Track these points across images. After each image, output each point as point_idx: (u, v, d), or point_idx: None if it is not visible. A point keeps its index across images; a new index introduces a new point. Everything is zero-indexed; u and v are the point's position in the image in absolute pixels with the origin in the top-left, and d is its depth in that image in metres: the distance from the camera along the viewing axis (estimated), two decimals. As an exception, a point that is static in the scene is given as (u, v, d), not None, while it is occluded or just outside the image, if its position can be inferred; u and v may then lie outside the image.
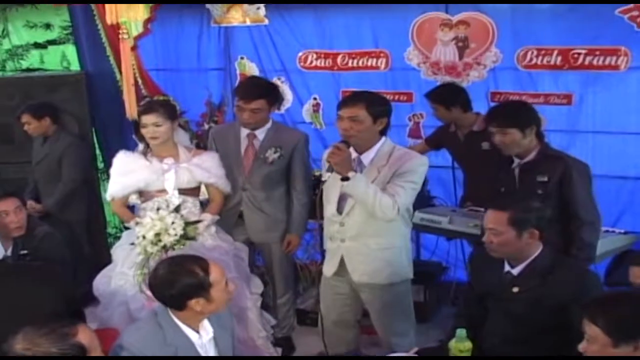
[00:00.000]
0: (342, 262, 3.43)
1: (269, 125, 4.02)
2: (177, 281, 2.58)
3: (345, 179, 3.16)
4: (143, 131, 3.72)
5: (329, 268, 3.51)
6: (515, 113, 3.55)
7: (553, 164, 3.47)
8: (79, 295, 3.50)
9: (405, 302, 3.53)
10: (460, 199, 4.76)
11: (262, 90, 3.95)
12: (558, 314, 2.75)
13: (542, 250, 2.90)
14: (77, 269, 4.20)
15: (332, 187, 3.34)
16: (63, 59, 5.67)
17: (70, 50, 5.59)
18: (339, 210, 3.35)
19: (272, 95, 3.99)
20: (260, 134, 4.01)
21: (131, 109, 3.75)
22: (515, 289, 2.88)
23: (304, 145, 4.08)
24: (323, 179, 3.30)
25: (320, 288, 3.63)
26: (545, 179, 3.43)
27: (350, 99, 3.32)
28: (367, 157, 3.31)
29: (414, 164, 3.27)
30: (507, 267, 2.94)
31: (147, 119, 3.68)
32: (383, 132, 3.33)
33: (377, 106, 3.30)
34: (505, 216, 2.84)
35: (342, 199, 3.34)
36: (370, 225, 3.30)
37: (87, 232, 5.08)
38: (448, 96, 4.44)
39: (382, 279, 3.38)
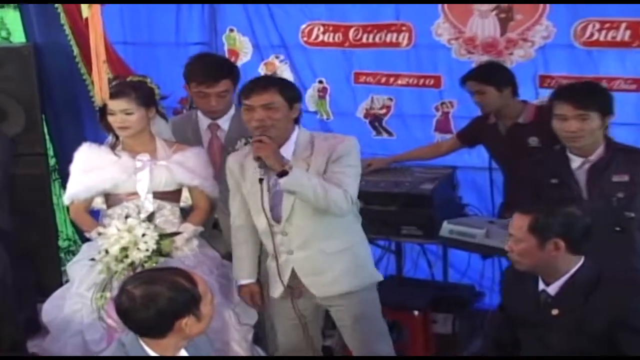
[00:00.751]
0: (294, 277, 3.43)
1: (232, 111, 4.03)
2: (161, 298, 2.51)
3: (282, 174, 3.16)
4: (110, 119, 3.64)
5: (276, 288, 3.49)
6: (601, 95, 3.44)
7: (631, 159, 3.39)
8: (19, 323, 3.45)
9: (376, 313, 3.56)
10: (499, 207, 4.66)
11: (225, 69, 4.00)
12: (604, 342, 2.72)
13: (582, 263, 2.87)
14: (19, 290, 4.06)
15: (254, 192, 3.35)
16: (1, 27, 5.57)
17: (11, 16, 5.44)
18: (275, 218, 3.36)
19: (236, 74, 4.03)
20: (224, 123, 4.02)
21: (102, 92, 3.64)
22: (555, 312, 2.86)
23: None
24: (260, 177, 3.28)
25: (273, 313, 3.64)
26: (626, 178, 3.33)
27: (260, 84, 3.35)
28: (286, 151, 3.34)
29: (347, 145, 3.33)
30: (541, 285, 2.92)
31: (116, 104, 3.60)
32: (297, 120, 3.41)
33: (291, 90, 3.37)
34: (526, 221, 2.86)
35: (275, 203, 3.35)
36: (319, 226, 3.33)
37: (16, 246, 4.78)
38: (500, 75, 4.30)
39: (346, 285, 3.41)
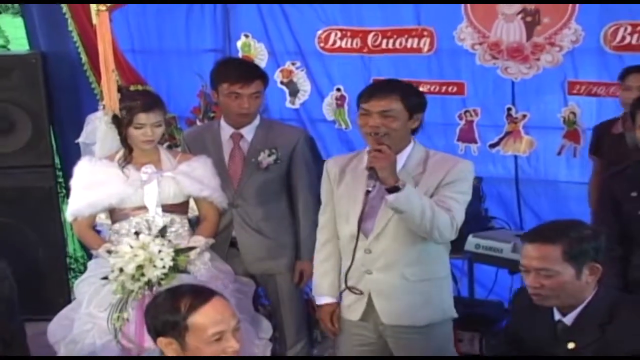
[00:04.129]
0: (369, 302, 3.32)
1: (257, 121, 4.03)
2: (157, 311, 2.62)
3: (393, 189, 3.04)
4: (136, 133, 3.63)
5: (352, 311, 3.39)
6: None
7: None
8: (22, 338, 3.40)
9: (448, 350, 3.46)
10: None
11: (257, 69, 4.05)
12: None
13: (597, 291, 2.79)
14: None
15: (350, 200, 3.28)
16: (-1, 34, 5.60)
17: (9, 22, 5.50)
18: (363, 232, 3.25)
19: (266, 76, 4.05)
20: (248, 133, 4.00)
21: (111, 102, 3.62)
22: (571, 345, 2.77)
23: (305, 144, 4.08)
24: (368, 188, 3.14)
25: (339, 336, 3.50)
26: None
27: (383, 88, 3.28)
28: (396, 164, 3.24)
29: (463, 170, 3.26)
30: (557, 315, 2.83)
31: (147, 118, 3.61)
32: (415, 132, 3.32)
33: (414, 98, 3.27)
34: (558, 250, 2.71)
35: (367, 216, 3.23)
36: (407, 250, 3.24)
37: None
38: None
39: (418, 319, 3.30)
